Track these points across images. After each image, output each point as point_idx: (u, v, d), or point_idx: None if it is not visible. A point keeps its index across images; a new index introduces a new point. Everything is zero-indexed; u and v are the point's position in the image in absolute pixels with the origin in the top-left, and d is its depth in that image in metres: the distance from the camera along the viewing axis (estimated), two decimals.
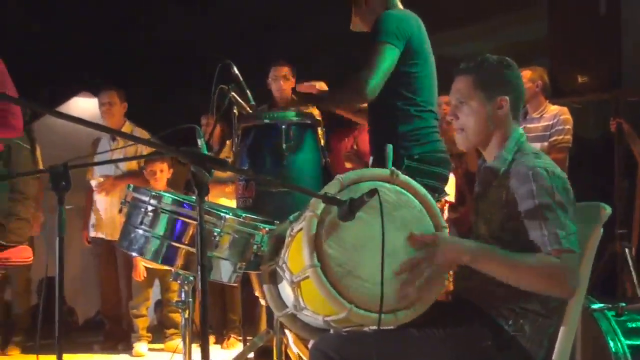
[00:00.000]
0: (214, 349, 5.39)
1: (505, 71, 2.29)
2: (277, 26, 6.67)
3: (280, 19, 6.66)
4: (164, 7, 7.00)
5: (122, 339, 5.55)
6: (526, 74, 5.06)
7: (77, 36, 6.81)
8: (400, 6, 3.28)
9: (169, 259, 2.50)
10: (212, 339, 5.55)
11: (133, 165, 5.56)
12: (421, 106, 3.16)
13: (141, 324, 5.37)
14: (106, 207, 5.50)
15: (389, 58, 3.02)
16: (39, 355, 3.24)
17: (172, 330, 5.38)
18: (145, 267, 5.27)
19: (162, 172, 5.26)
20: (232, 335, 5.51)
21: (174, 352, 5.05)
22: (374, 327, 2.09)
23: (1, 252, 3.69)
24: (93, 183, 5.49)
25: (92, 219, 5.60)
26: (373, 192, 2.02)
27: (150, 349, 5.38)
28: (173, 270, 2.56)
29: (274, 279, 2.42)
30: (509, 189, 2.18)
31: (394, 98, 3.12)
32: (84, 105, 7.33)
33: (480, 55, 2.32)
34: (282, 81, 5.17)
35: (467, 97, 2.28)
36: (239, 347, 5.22)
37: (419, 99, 3.16)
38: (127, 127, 5.60)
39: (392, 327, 2.16)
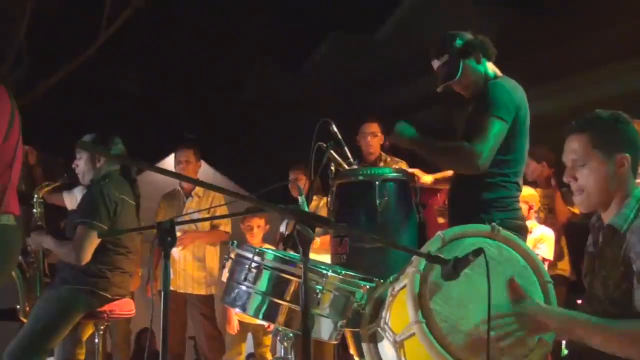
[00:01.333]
0: None
1: (622, 127, 2.24)
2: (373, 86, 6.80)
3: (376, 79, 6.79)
4: (259, 66, 7.24)
5: None
6: None
7: (175, 95, 7.12)
8: (498, 72, 3.30)
9: (270, 315, 2.52)
10: None
11: (206, 225, 5.68)
12: (509, 177, 3.18)
13: None
14: (179, 261, 5.63)
15: (500, 133, 3.06)
16: None
17: None
18: (239, 321, 5.33)
19: (259, 228, 5.36)
20: None
21: None
22: None
23: (107, 305, 3.81)
24: None
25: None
26: (479, 251, 2.00)
27: None
28: (274, 326, 2.58)
29: (374, 340, 2.42)
30: (627, 246, 2.11)
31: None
32: None
33: (589, 113, 2.28)
34: (370, 137, 5.21)
35: (585, 158, 2.22)
36: None
37: (509, 170, 3.16)
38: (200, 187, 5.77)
39: None
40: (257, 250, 2.53)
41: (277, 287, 2.47)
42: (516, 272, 2.21)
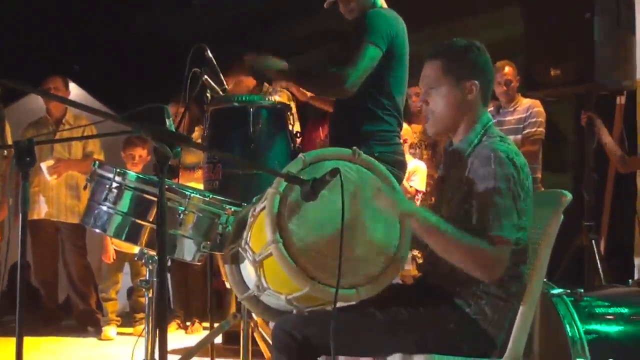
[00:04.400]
0: (179, 335, 5.38)
1: (474, 55, 2.29)
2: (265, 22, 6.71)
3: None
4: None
5: (92, 322, 5.55)
6: (510, 70, 5.13)
7: (52, 22, 6.80)
8: (384, 5, 3.30)
9: (132, 237, 2.49)
10: (175, 324, 5.55)
11: (78, 152, 5.60)
12: (389, 110, 3.20)
13: (110, 307, 5.37)
14: (52, 188, 5.51)
15: (371, 58, 3.05)
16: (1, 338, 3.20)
17: (141, 315, 5.36)
18: (116, 250, 5.26)
19: (140, 158, 5.29)
20: (196, 321, 5.52)
21: (140, 335, 5.05)
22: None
23: None
24: (43, 166, 5.42)
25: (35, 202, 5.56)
26: (335, 171, 2.03)
27: (119, 333, 5.37)
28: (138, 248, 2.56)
29: (236, 261, 2.42)
30: (470, 169, 2.19)
31: (364, 98, 3.14)
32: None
33: (448, 39, 2.33)
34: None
35: (437, 83, 2.28)
36: (203, 333, 5.23)
37: (389, 102, 3.19)
38: (70, 114, 5.68)
39: (353, 304, 2.17)
40: (118, 170, 2.48)
41: (139, 207, 2.45)
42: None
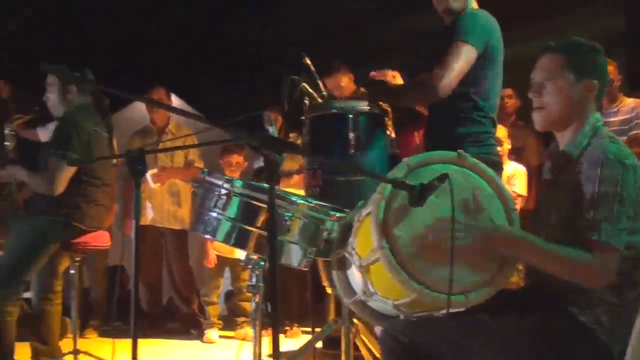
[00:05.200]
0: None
1: (597, 56, 2.26)
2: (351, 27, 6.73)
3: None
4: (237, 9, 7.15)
5: (195, 325, 5.70)
6: (611, 69, 4.94)
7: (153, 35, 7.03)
8: (476, 6, 3.27)
9: (240, 242, 2.55)
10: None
11: (180, 161, 5.73)
12: (484, 111, 3.16)
13: (212, 311, 5.49)
14: (156, 195, 5.67)
15: (466, 59, 3.00)
16: (115, 339, 3.33)
17: (242, 319, 5.49)
18: (217, 255, 5.38)
19: (237, 164, 5.41)
20: (294, 325, 5.58)
21: (244, 339, 5.16)
22: (444, 312, 2.08)
23: (81, 237, 3.83)
24: (147, 174, 5.58)
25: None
26: (444, 177, 2.01)
27: (220, 336, 5.49)
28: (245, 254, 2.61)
29: (343, 266, 2.44)
30: (579, 172, 2.14)
31: (459, 100, 3.10)
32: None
33: (543, 38, 2.29)
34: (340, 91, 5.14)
35: (554, 76, 2.24)
36: (302, 337, 5.29)
37: (484, 104, 3.15)
38: (172, 123, 5.83)
39: (462, 310, 2.14)
40: (227, 177, 2.55)
41: (247, 213, 2.50)
42: (483, 198, 2.23)
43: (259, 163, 5.82)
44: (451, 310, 2.12)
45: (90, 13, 6.93)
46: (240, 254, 5.28)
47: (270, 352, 3.26)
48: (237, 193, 2.51)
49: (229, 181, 2.53)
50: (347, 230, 2.44)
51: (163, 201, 5.67)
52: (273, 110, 5.49)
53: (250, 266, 2.72)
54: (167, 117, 5.81)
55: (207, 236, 2.60)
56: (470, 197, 2.20)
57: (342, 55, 5.47)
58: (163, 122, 5.80)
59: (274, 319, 1.89)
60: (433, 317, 2.19)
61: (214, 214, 2.53)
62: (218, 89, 7.47)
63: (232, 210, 2.51)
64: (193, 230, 2.73)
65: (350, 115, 3.22)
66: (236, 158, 5.44)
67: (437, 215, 2.11)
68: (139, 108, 7.48)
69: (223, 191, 2.50)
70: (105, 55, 6.67)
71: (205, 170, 2.67)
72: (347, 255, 2.35)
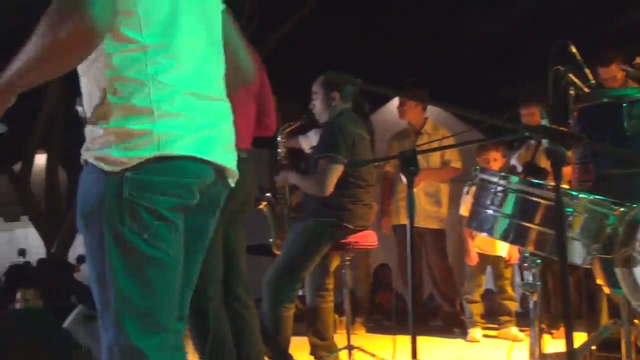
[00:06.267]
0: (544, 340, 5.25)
1: None
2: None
3: None
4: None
5: (458, 324, 5.69)
6: None
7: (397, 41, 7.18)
8: None
9: (518, 239, 2.50)
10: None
11: (436, 161, 5.72)
12: None
13: (475, 309, 5.43)
14: (416, 196, 5.69)
15: None
16: (396, 336, 3.44)
17: (505, 318, 5.37)
18: (478, 253, 5.32)
19: (495, 161, 5.30)
20: (560, 325, 5.33)
21: (514, 339, 5.05)
22: None
23: (351, 236, 4.00)
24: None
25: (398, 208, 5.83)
26: None
27: (484, 336, 5.42)
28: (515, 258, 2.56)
29: (629, 265, 2.30)
30: None
31: None
32: None
33: None
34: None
35: None
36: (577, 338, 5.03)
37: None
38: (429, 124, 5.81)
39: None
40: (501, 174, 2.51)
41: (525, 210, 2.45)
42: None
43: (514, 159, 5.66)
44: None
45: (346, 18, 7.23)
46: (502, 251, 5.19)
47: (544, 351, 3.19)
48: (513, 189, 2.46)
49: (505, 177, 2.49)
50: (633, 226, 2.29)
51: (420, 201, 5.72)
52: (529, 105, 5.33)
53: (526, 264, 2.66)
54: (423, 118, 5.85)
55: (484, 234, 2.58)
56: None
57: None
58: (419, 123, 5.85)
59: (568, 319, 1.83)
60: None
61: (490, 212, 2.51)
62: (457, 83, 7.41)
63: (509, 207, 2.47)
64: (469, 227, 2.73)
65: (625, 104, 3.02)
66: (494, 154, 5.32)
67: None
68: (391, 111, 7.66)
69: (499, 188, 2.47)
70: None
71: (477, 167, 2.65)
72: (635, 254, 2.21)
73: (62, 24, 1.54)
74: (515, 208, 2.46)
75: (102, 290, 1.72)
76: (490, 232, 2.55)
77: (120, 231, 1.67)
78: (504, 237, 2.54)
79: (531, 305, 2.73)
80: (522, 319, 5.55)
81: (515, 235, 2.49)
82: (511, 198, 2.47)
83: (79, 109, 1.92)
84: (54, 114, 10.03)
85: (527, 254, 2.64)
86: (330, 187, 3.92)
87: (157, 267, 1.71)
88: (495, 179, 2.50)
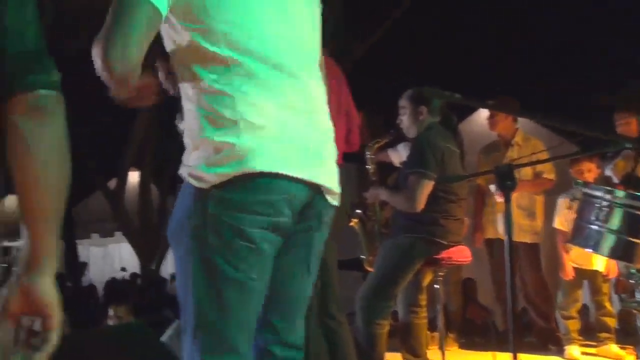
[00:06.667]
0: None
1: None
2: None
3: None
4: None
5: (553, 340, 5.51)
6: None
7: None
8: None
9: (626, 256, 2.41)
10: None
11: (528, 173, 5.54)
12: None
13: (572, 325, 5.23)
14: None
15: None
16: (496, 353, 3.36)
17: (604, 335, 5.17)
18: (574, 267, 5.15)
19: (589, 172, 5.11)
20: None
21: (616, 358, 4.86)
22: None
23: (444, 252, 3.94)
24: (492, 187, 5.48)
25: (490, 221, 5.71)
26: None
27: (582, 353, 5.22)
28: (629, 267, 2.46)
29: None
30: None
31: None
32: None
33: None
34: None
35: None
36: None
37: None
38: (520, 135, 5.65)
39: None
40: (606, 188, 2.43)
41: (633, 225, 2.35)
42: None
43: (609, 170, 5.45)
44: None
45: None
46: (599, 265, 5.00)
47: None
48: (619, 204, 2.38)
49: (610, 192, 2.40)
50: None
51: (513, 214, 5.55)
52: (624, 114, 5.15)
53: (633, 281, 2.56)
54: (514, 129, 5.71)
55: (589, 250, 2.49)
56: None
57: None
58: (509, 134, 5.72)
59: None
60: None
61: (595, 227, 2.43)
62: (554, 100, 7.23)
63: (615, 223, 2.38)
64: (572, 243, 2.64)
65: None
66: (588, 165, 5.13)
67: None
68: (478, 121, 7.55)
69: (604, 203, 2.39)
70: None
71: (580, 181, 2.58)
72: None
73: (96, 59, 1.59)
74: (622, 223, 2.37)
75: (184, 301, 1.76)
76: (595, 248, 2.46)
77: (203, 247, 1.69)
78: (611, 254, 2.45)
79: (637, 322, 2.62)
80: (622, 336, 5.35)
81: (622, 252, 2.40)
82: (617, 213, 2.38)
83: (180, 125, 1.97)
84: (147, 133, 10.34)
85: (633, 270, 2.54)
86: (421, 204, 3.88)
87: (234, 287, 1.71)
88: (599, 194, 2.42)
